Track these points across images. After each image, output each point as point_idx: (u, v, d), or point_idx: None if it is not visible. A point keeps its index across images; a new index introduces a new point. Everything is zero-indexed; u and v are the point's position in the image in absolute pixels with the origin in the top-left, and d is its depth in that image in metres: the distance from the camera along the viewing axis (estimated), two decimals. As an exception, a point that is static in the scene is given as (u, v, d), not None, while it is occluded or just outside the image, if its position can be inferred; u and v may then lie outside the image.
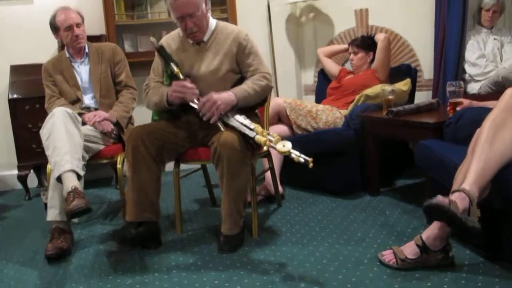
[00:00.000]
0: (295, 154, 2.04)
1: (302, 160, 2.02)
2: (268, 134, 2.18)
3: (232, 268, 2.07)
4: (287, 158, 2.96)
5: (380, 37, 3.34)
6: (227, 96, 2.29)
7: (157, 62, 2.54)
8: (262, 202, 2.94)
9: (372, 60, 3.41)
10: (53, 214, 2.35)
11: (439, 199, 1.69)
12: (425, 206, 1.71)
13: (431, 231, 1.89)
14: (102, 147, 2.70)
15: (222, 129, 2.25)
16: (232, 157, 2.16)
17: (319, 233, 2.41)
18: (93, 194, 3.47)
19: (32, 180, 3.70)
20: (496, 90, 3.29)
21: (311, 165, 2.00)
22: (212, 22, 2.46)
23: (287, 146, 2.06)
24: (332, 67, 3.65)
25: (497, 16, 3.62)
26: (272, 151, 2.64)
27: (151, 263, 2.19)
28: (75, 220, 2.44)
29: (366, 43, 3.42)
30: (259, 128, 2.21)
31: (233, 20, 3.72)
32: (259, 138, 2.16)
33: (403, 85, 3.15)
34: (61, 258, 2.27)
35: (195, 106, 2.32)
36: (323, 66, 3.72)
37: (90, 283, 2.03)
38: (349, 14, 4.01)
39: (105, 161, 2.75)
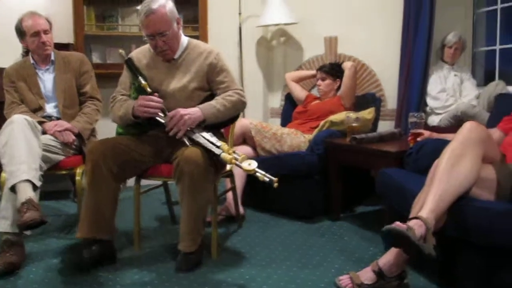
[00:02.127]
0: (260, 173, 2.04)
1: (267, 179, 2.02)
2: (234, 152, 2.17)
3: (188, 288, 2.04)
4: (250, 179, 2.99)
5: (347, 65, 3.42)
6: (194, 111, 2.27)
7: (125, 75, 2.51)
8: (223, 222, 2.91)
9: (339, 88, 3.48)
10: (4, 225, 2.25)
11: (397, 224, 1.72)
12: (384, 230, 1.73)
13: (388, 257, 1.91)
14: (61, 158, 2.63)
15: (188, 144, 2.23)
16: (195, 173, 2.14)
17: (278, 255, 2.41)
18: (49, 206, 3.35)
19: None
20: (455, 124, 3.41)
21: (276, 184, 2.01)
22: (184, 39, 2.46)
23: (252, 165, 2.06)
24: (299, 92, 3.70)
25: (458, 53, 3.77)
26: (235, 171, 2.65)
27: (105, 280, 2.13)
28: (28, 232, 2.35)
29: (334, 70, 3.49)
30: (225, 145, 2.21)
31: (204, 39, 3.74)
32: (225, 156, 2.15)
33: (368, 114, 3.22)
34: (10, 273, 2.17)
35: (161, 120, 2.29)
36: (290, 90, 3.77)
37: (39, 298, 1.95)
38: (319, 41, 4.09)
39: (64, 172, 2.67)
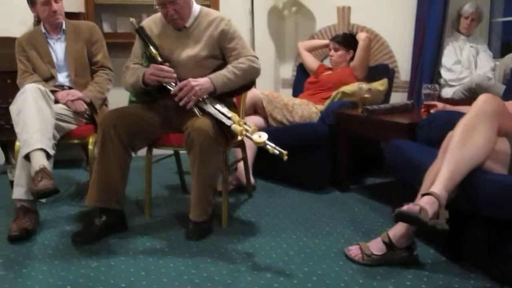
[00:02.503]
0: (270, 145, 2.04)
1: (277, 152, 2.02)
2: (245, 124, 2.17)
3: (199, 256, 2.07)
4: (260, 150, 2.99)
5: (361, 37, 3.36)
6: (205, 81, 2.26)
7: (137, 44, 2.50)
8: (233, 192, 2.94)
9: (352, 58, 3.43)
10: (19, 192, 2.29)
11: (409, 207, 1.70)
12: (395, 214, 1.73)
13: (397, 229, 1.92)
14: (74, 127, 2.64)
15: (199, 115, 2.23)
16: (205, 143, 2.15)
17: (287, 225, 2.43)
18: (62, 175, 3.40)
19: (-1, 157, 3.61)
20: (469, 96, 3.37)
21: (285, 157, 2.01)
22: (196, 8, 2.43)
23: (263, 137, 2.06)
24: (311, 61, 3.66)
25: (475, 24, 3.69)
26: (247, 142, 2.65)
27: (118, 246, 2.17)
28: (43, 200, 2.40)
29: (347, 41, 3.43)
30: (236, 117, 2.20)
31: (215, 8, 3.69)
32: (236, 127, 2.15)
33: (380, 85, 3.19)
34: (25, 238, 2.22)
35: (171, 89, 2.29)
36: (302, 60, 3.73)
37: (54, 263, 2.00)
38: (331, 10, 4.03)
39: (76, 141, 2.70)
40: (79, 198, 2.88)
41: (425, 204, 1.71)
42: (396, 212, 1.73)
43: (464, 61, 3.62)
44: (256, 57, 2.39)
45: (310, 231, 2.35)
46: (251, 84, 2.48)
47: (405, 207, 1.71)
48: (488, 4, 3.90)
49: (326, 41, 3.64)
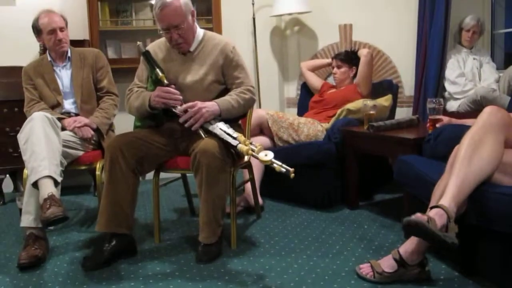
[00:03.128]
0: (277, 164, 2.04)
1: (283, 170, 2.02)
2: (251, 143, 2.18)
3: (209, 278, 2.06)
4: (267, 170, 2.99)
5: (363, 52, 3.38)
6: (212, 105, 2.29)
7: (141, 68, 2.53)
8: (242, 213, 2.93)
9: (355, 75, 3.45)
10: (27, 220, 2.30)
11: (418, 216, 1.70)
12: (404, 223, 1.72)
13: (408, 245, 1.90)
14: (81, 153, 2.66)
15: (204, 136, 2.24)
16: (212, 164, 2.15)
17: (297, 245, 2.41)
18: (70, 201, 3.41)
19: (8, 185, 3.63)
20: (474, 109, 3.36)
21: (292, 175, 2.01)
22: (200, 32, 2.47)
23: (269, 155, 2.06)
24: (315, 81, 3.68)
25: (477, 36, 3.71)
26: (253, 162, 2.65)
27: (128, 272, 2.16)
28: (51, 227, 2.40)
29: (350, 58, 3.46)
30: (242, 137, 2.21)
31: (218, 31, 3.73)
32: (242, 147, 2.16)
33: (385, 101, 3.19)
34: (35, 266, 2.22)
35: (177, 112, 2.30)
36: (306, 79, 3.75)
37: (64, 291, 1.99)
38: (333, 29, 4.05)
39: (83, 167, 2.70)
40: (88, 224, 2.88)
41: (434, 215, 1.70)
42: (404, 221, 1.71)
43: (468, 73, 3.62)
44: (254, 87, 2.47)
45: (320, 250, 2.33)
46: (245, 114, 2.54)
47: (413, 216, 1.70)
48: (489, 16, 3.92)
49: (328, 60, 3.66)
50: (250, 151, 2.13)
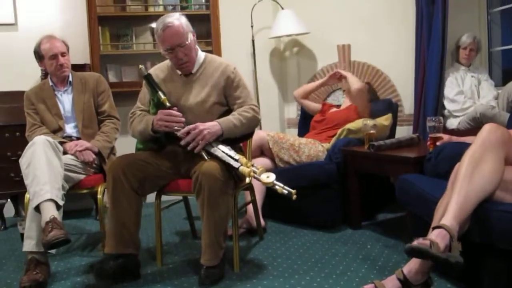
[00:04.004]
0: (279, 185, 2.04)
1: (285, 192, 2.02)
2: (252, 165, 2.18)
3: (212, 302, 2.04)
4: (269, 191, 2.99)
5: (354, 91, 3.38)
6: (213, 125, 2.30)
7: (144, 91, 2.55)
8: (244, 235, 2.91)
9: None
10: (29, 244, 2.28)
11: (420, 242, 1.68)
12: (406, 249, 1.70)
13: (412, 265, 1.88)
14: (82, 177, 2.66)
15: (206, 158, 2.25)
16: (214, 187, 2.15)
17: (301, 266, 2.39)
18: (72, 225, 3.40)
19: (9, 210, 3.62)
20: (474, 126, 3.38)
21: (294, 196, 2.01)
22: (201, 54, 2.50)
23: (271, 177, 2.07)
24: (313, 107, 3.66)
25: (474, 54, 3.74)
26: (255, 184, 2.65)
27: (130, 296, 2.14)
28: (52, 251, 2.39)
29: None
30: (243, 159, 2.22)
31: (218, 53, 3.77)
32: (243, 169, 2.16)
33: (385, 120, 3.20)
34: (36, 291, 2.20)
35: (179, 135, 2.31)
36: (304, 107, 3.74)
37: (66, 317, 1.97)
38: (331, 49, 4.10)
39: (85, 191, 2.70)
40: (90, 248, 2.86)
41: (436, 237, 1.69)
42: (406, 248, 1.70)
43: (467, 91, 3.64)
44: (258, 106, 2.46)
45: (323, 271, 2.31)
46: (251, 133, 2.53)
47: (415, 242, 1.69)
48: (485, 33, 3.96)
49: (320, 81, 3.64)
50: (252, 173, 2.13)
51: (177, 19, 2.34)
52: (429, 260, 1.74)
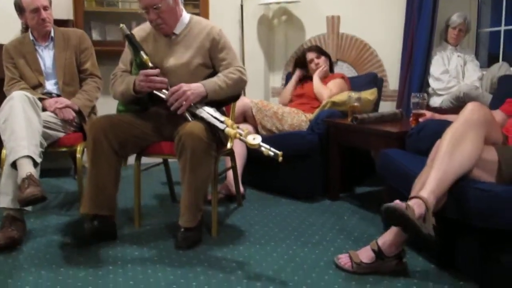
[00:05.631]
0: (265, 147, 2.03)
1: (271, 153, 2.01)
2: (238, 127, 2.16)
3: (188, 265, 2.05)
4: (250, 159, 2.99)
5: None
6: (197, 87, 2.26)
7: (126, 52, 2.49)
8: (223, 201, 2.92)
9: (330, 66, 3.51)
10: (5, 200, 2.25)
11: (397, 202, 1.72)
12: (383, 208, 1.74)
13: (387, 237, 1.92)
14: (61, 135, 2.62)
15: (190, 119, 2.22)
16: (197, 147, 2.13)
17: (277, 234, 2.42)
18: (49, 184, 3.36)
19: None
20: (457, 105, 3.40)
21: (280, 158, 2.00)
22: (186, 16, 2.44)
23: (257, 139, 2.05)
24: (287, 90, 3.57)
25: (463, 35, 3.74)
26: (236, 150, 2.65)
27: (106, 256, 2.14)
28: (29, 208, 2.36)
29: (322, 50, 3.50)
30: (229, 121, 2.19)
31: (205, 17, 3.70)
32: (229, 131, 2.14)
33: (370, 94, 3.21)
34: (11, 248, 2.19)
35: (163, 96, 2.28)
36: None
37: (41, 274, 1.97)
38: (320, 20, 4.06)
39: (64, 149, 2.66)
40: (67, 207, 2.84)
41: (413, 204, 1.72)
42: (383, 206, 1.74)
43: (452, 70, 3.65)
44: (244, 68, 2.42)
45: (300, 240, 2.34)
46: (238, 95, 2.50)
47: (392, 203, 1.72)
48: (475, 14, 3.95)
49: (293, 79, 3.55)
50: (237, 135, 2.12)
51: None
52: (402, 226, 1.77)
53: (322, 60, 3.44)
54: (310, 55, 3.47)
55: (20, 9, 2.75)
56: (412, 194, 1.83)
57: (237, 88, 2.41)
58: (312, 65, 3.45)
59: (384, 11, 3.93)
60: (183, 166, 2.19)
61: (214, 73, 2.41)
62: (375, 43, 3.98)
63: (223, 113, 2.51)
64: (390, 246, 1.91)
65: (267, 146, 2.04)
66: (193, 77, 2.35)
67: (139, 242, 2.30)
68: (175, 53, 2.39)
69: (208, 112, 2.23)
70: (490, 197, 1.69)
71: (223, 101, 2.41)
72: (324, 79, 3.42)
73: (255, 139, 2.05)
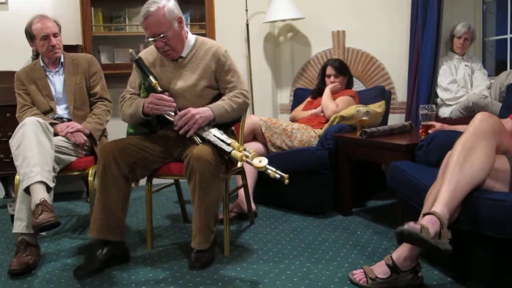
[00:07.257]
0: (271, 169, 2.04)
1: (278, 176, 2.02)
2: (245, 149, 2.18)
3: (202, 285, 2.05)
4: (260, 176, 2.99)
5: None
6: (205, 110, 2.29)
7: (134, 75, 2.52)
8: (235, 220, 2.92)
9: (347, 82, 3.49)
10: (19, 226, 2.27)
11: (411, 226, 1.70)
12: (397, 232, 1.72)
13: (401, 251, 1.90)
14: (73, 159, 2.65)
15: (198, 143, 2.24)
16: (205, 170, 2.15)
17: (290, 251, 2.41)
18: (62, 207, 3.39)
19: (-1, 191, 3.60)
20: (466, 115, 3.39)
21: (287, 181, 2.01)
22: (191, 38, 2.47)
23: (263, 162, 2.06)
24: (300, 110, 3.57)
25: (468, 43, 3.74)
26: (246, 168, 2.65)
27: (120, 278, 2.14)
28: (43, 233, 2.38)
29: (344, 69, 3.49)
30: (235, 143, 2.21)
31: (212, 37, 3.74)
32: (236, 153, 2.16)
33: (378, 107, 3.21)
34: (26, 273, 2.20)
35: (171, 119, 2.30)
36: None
37: (55, 298, 1.97)
38: (326, 35, 4.08)
39: (76, 173, 2.68)
40: (80, 230, 2.86)
41: (427, 223, 1.70)
42: (397, 230, 1.72)
43: (460, 80, 3.65)
44: (248, 91, 2.45)
45: (313, 256, 2.33)
46: (239, 119, 2.53)
47: (406, 226, 1.70)
48: (480, 23, 3.95)
49: (315, 110, 3.44)
50: (244, 157, 2.13)
51: (162, 7, 2.26)
52: (418, 246, 1.75)
53: (340, 79, 3.45)
54: (330, 70, 3.48)
55: (30, 36, 2.81)
56: (425, 210, 1.82)
57: (241, 112, 2.46)
58: (329, 81, 3.47)
59: (388, 24, 3.95)
60: (192, 189, 2.21)
61: (219, 95, 2.44)
62: (381, 56, 3.99)
63: (232, 133, 2.53)
64: (405, 260, 1.89)
65: (273, 169, 2.05)
66: (200, 99, 2.38)
67: (152, 264, 2.30)
68: (182, 76, 2.42)
69: (214, 135, 2.25)
70: (504, 206, 1.68)
71: (227, 124, 2.43)
72: (335, 94, 3.42)
73: (261, 162, 2.06)
